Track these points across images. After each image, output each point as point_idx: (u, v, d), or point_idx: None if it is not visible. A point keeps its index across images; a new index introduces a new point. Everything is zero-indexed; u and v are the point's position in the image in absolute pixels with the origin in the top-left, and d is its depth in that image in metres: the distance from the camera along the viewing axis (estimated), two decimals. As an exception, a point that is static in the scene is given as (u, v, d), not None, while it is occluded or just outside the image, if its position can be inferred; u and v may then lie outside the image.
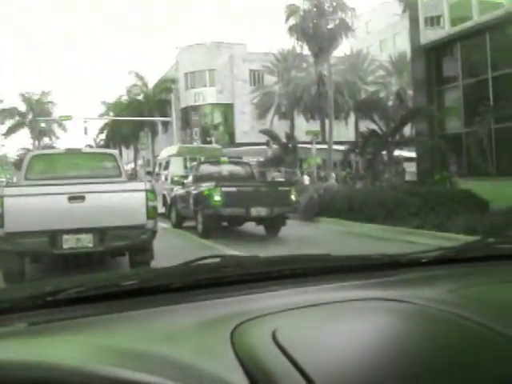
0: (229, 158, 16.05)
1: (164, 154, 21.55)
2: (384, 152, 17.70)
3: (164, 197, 15.90)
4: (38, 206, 6.34)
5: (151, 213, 6.77)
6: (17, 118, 55.61)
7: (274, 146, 28.08)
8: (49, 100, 57.34)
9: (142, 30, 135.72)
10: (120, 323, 1.06)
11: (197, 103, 42.85)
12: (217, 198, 11.06)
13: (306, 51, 35.07)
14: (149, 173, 25.57)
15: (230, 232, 12.28)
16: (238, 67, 42.39)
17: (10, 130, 55.32)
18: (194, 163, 15.30)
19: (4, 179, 50.51)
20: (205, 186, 11.67)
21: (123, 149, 50.11)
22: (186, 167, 17.64)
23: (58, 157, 9.31)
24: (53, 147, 42.18)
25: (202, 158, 16.53)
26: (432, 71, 18.44)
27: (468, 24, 16.60)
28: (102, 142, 52.65)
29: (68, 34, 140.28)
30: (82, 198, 6.44)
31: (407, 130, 21.28)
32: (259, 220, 11.76)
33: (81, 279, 1.37)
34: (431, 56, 18.37)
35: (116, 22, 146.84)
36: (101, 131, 51.69)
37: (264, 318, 1.03)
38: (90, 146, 44.09)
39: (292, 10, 34.20)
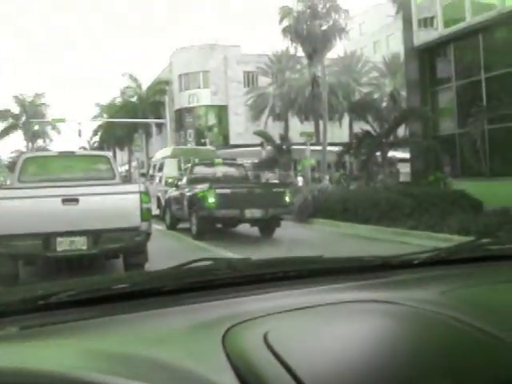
0: (223, 160, 16.09)
1: (158, 155, 21.56)
2: (378, 153, 17.71)
3: (158, 199, 15.88)
4: (32, 209, 6.31)
5: (145, 215, 6.76)
6: (10, 120, 55.44)
7: (268, 148, 28.04)
8: (42, 102, 57.31)
9: (136, 31, 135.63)
10: (112, 327, 1.06)
11: (191, 105, 42.81)
12: (211, 199, 11.05)
13: (300, 53, 35.19)
14: (143, 175, 25.61)
15: (225, 234, 12.28)
16: (232, 69, 42.38)
17: (4, 132, 55.14)
18: (188, 165, 15.29)
19: (-3, 182, 50.31)
20: (199, 188, 11.67)
21: (117, 151, 50.04)
22: (180, 169, 17.62)
23: (51, 159, 9.30)
24: (46, 149, 42.14)
25: (196, 160, 16.55)
26: (425, 72, 18.48)
27: (461, 25, 16.64)
28: (96, 144, 52.53)
29: (63, 34, 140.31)
30: (76, 201, 6.41)
31: (401, 131, 21.30)
32: (253, 221, 11.75)
33: (73, 283, 1.36)
34: (425, 57, 18.41)
35: (109, 23, 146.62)
36: (95, 133, 51.53)
37: (256, 320, 1.02)
38: (84, 148, 44.05)
39: (286, 12, 34.28)
